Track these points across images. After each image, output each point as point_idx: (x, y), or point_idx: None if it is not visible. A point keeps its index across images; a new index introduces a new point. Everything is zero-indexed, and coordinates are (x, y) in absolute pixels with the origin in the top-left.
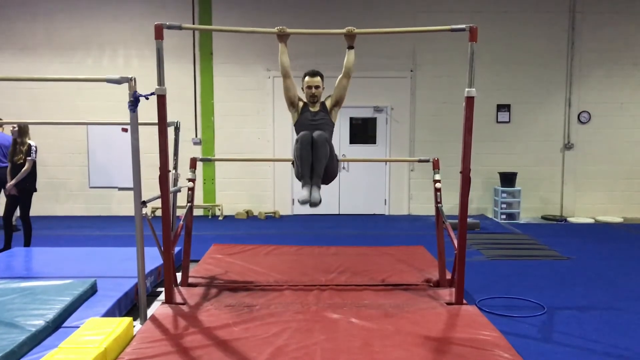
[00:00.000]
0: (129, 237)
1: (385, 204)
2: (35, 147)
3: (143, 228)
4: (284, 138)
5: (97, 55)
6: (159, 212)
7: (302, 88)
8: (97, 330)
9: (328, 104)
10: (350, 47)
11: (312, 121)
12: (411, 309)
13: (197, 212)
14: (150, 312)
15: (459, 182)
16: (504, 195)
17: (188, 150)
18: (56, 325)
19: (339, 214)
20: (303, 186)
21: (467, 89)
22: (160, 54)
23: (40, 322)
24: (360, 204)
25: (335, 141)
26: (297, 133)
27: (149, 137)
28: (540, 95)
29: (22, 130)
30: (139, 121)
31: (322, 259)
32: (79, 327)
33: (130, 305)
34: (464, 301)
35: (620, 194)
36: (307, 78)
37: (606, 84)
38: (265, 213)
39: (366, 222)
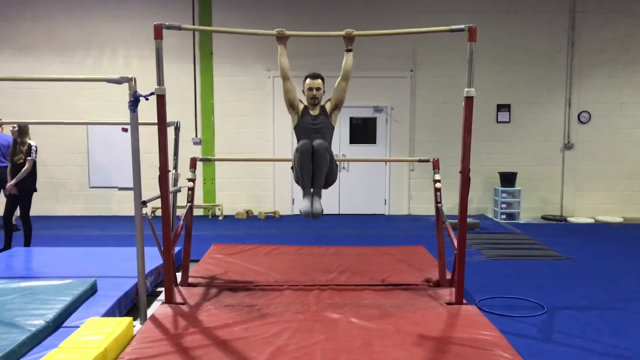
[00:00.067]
0: (129, 237)
1: (385, 203)
2: (36, 147)
3: (143, 228)
4: (284, 138)
5: (97, 55)
6: (159, 212)
7: (303, 90)
8: (97, 330)
9: (328, 107)
10: (349, 50)
11: (312, 125)
12: (411, 308)
13: (197, 212)
14: (150, 312)
15: (459, 182)
16: (504, 195)
17: (188, 150)
18: (56, 325)
19: (339, 214)
20: (304, 196)
21: (466, 89)
22: (159, 54)
23: (40, 322)
24: (360, 203)
25: (335, 141)
26: (297, 136)
27: (149, 137)
28: (540, 95)
29: (22, 130)
30: (139, 121)
31: (322, 258)
32: (79, 327)
33: (130, 305)
34: (464, 301)
35: (620, 194)
36: (308, 80)
37: (606, 84)
38: (265, 213)
39: (366, 222)
